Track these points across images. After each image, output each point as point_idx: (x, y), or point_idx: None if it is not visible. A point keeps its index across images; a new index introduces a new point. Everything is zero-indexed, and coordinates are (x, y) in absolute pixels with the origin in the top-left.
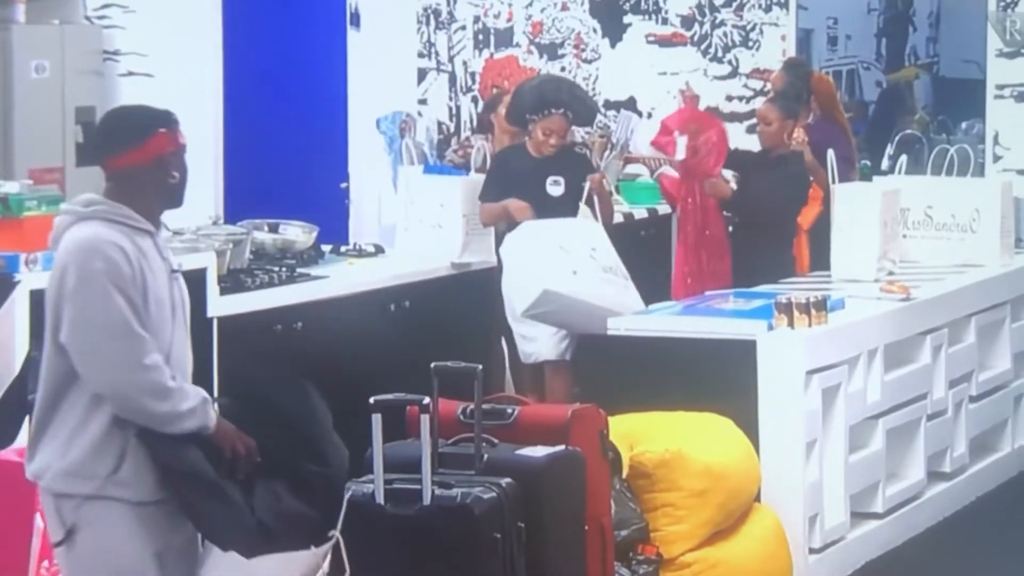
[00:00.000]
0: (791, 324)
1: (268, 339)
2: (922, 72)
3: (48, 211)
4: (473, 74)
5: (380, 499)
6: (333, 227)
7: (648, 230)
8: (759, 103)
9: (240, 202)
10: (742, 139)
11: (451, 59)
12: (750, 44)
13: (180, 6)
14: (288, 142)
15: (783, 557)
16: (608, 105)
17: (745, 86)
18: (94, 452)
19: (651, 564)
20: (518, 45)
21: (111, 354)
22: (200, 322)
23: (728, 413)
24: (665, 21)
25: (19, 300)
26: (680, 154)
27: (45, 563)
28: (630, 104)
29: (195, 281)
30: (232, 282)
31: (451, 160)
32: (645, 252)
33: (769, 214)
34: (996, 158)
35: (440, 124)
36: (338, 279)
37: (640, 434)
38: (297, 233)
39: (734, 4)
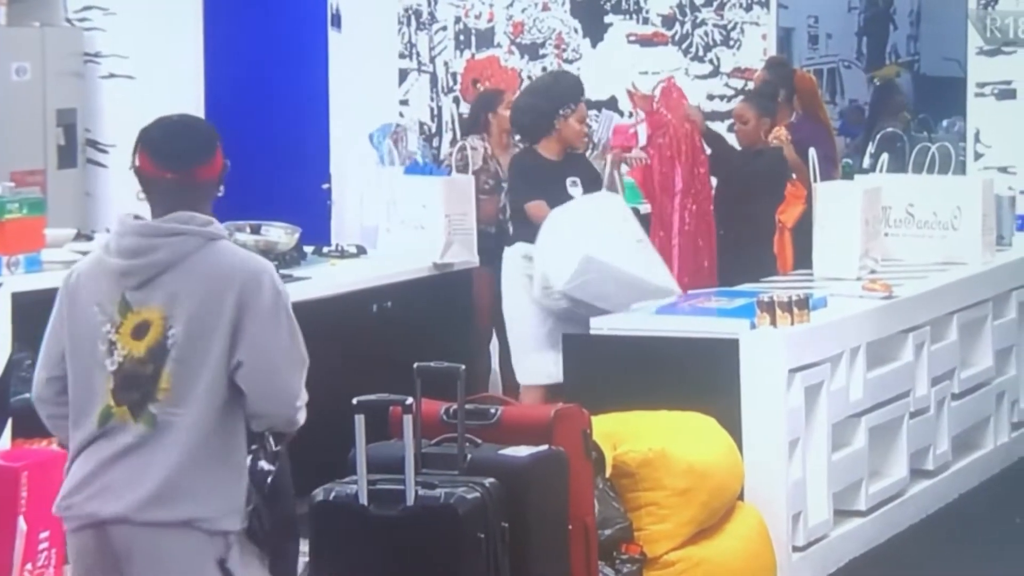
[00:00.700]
0: (773, 323)
1: None
2: (903, 70)
3: (30, 214)
4: (454, 74)
5: (363, 500)
6: (315, 228)
7: None
8: None
9: (221, 203)
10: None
11: (432, 60)
12: (731, 43)
13: (161, 8)
14: (270, 143)
15: (767, 555)
16: (590, 105)
17: (726, 85)
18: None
19: (635, 563)
20: (499, 45)
21: (299, 373)
22: None
23: (711, 412)
24: (646, 21)
25: (1, 303)
26: (643, 140)
27: (29, 565)
28: (611, 104)
29: None
30: None
31: (449, 163)
32: None
33: (747, 208)
34: (977, 156)
35: (422, 124)
36: (320, 280)
37: (623, 433)
38: (279, 234)
39: (715, 3)
